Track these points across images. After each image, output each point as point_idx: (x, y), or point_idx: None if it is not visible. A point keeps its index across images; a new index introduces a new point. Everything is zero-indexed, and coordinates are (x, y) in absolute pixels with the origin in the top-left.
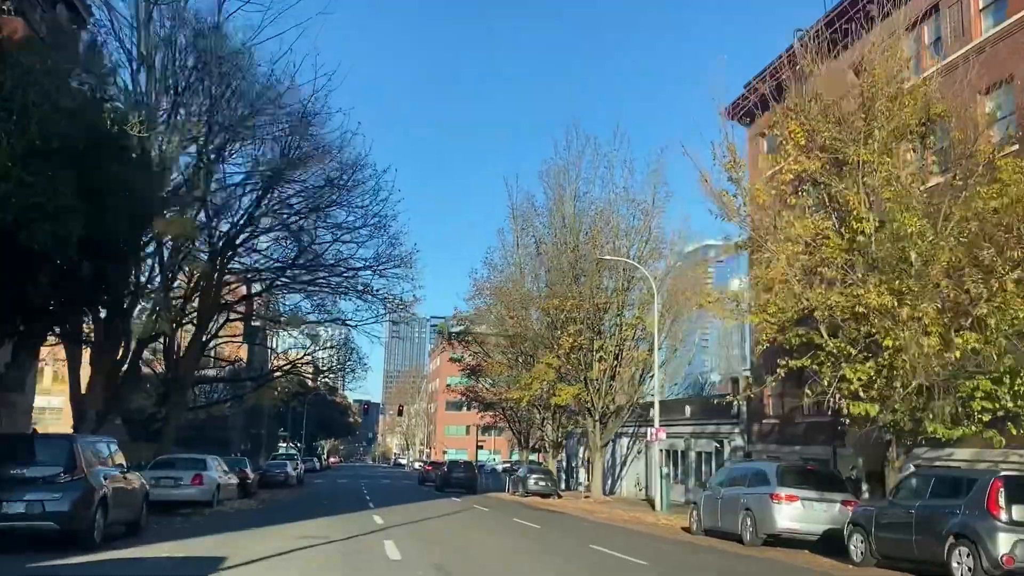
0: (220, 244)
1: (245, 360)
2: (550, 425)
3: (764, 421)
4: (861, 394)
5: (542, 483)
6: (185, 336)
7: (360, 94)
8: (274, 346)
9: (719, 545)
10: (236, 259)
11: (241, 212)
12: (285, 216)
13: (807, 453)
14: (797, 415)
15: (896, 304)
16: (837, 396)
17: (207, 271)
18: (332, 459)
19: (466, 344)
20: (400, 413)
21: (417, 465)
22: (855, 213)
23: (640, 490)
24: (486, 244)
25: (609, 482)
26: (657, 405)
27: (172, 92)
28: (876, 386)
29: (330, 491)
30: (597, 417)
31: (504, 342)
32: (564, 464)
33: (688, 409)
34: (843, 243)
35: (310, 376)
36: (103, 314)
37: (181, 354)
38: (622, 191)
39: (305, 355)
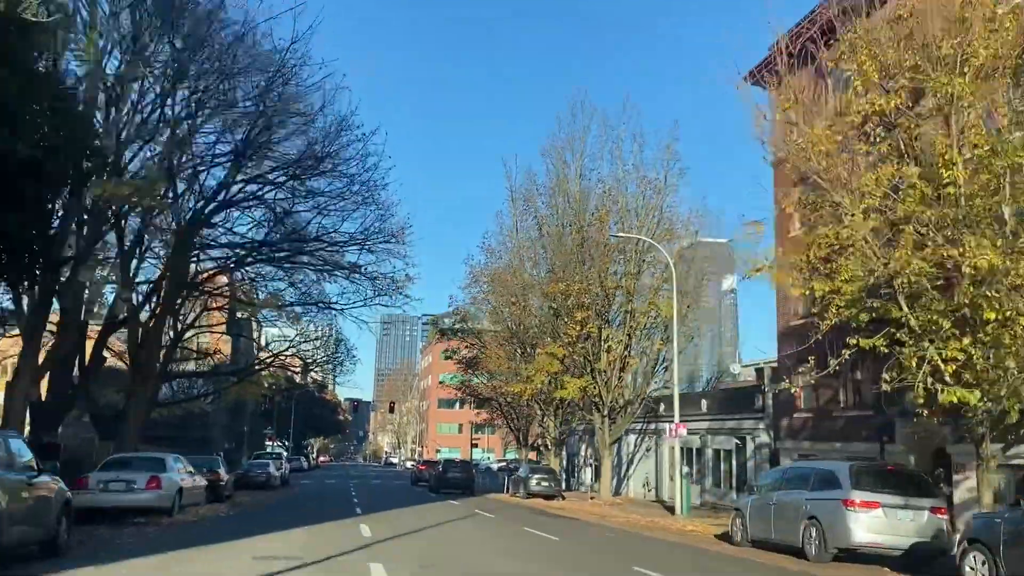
0: (188, 217)
1: (229, 354)
2: (552, 421)
3: (795, 415)
4: (947, 378)
5: (545, 483)
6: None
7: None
8: (259, 339)
9: (777, 560)
10: (209, 238)
11: (213, 182)
12: (261, 186)
13: (848, 451)
14: (835, 408)
15: (1007, 265)
16: (928, 381)
17: (174, 244)
18: (322, 458)
19: (462, 337)
20: (391, 410)
21: (409, 464)
22: (944, 159)
23: (649, 490)
24: (486, 235)
25: (615, 482)
26: (676, 397)
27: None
28: (977, 367)
29: (316, 493)
30: (605, 412)
31: (503, 333)
32: (565, 463)
33: (704, 403)
34: (930, 194)
35: (296, 370)
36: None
37: (140, 342)
38: (632, 168)
39: (290, 347)
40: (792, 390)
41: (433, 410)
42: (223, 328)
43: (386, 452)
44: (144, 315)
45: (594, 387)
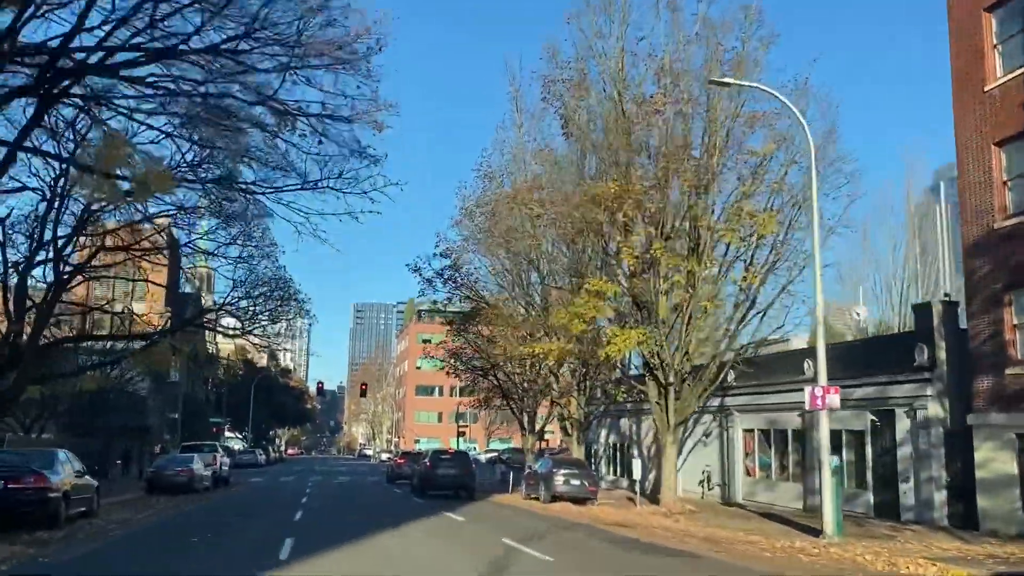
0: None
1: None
2: (577, 397)
3: (1010, 372)
4: None
5: (576, 482)
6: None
7: None
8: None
9: None
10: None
11: None
12: None
13: None
14: None
15: None
16: None
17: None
18: (291, 451)
19: (454, 285)
20: (363, 394)
21: (385, 456)
22: None
23: (710, 489)
24: (484, 153)
25: (650, 479)
26: (821, 341)
27: None
28: None
29: (253, 499)
30: (670, 379)
31: (511, 275)
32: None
33: (810, 365)
34: None
35: (232, 331)
36: None
37: None
38: (694, 37)
39: (224, 305)
40: None
41: (410, 397)
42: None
43: (360, 443)
44: None
45: (655, 343)
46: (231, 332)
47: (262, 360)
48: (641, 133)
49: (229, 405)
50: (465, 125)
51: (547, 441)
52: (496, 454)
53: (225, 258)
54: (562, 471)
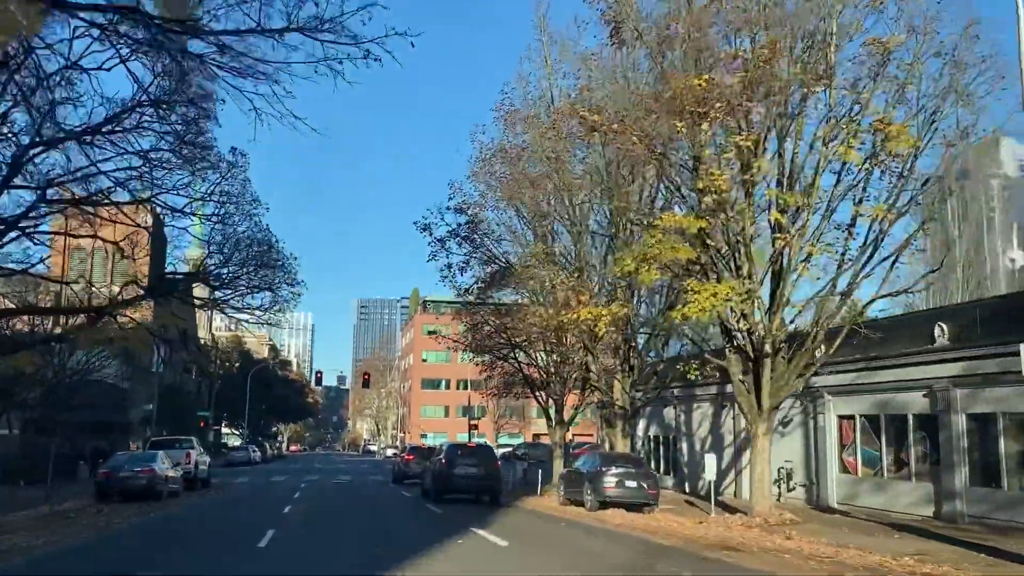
0: None
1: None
2: (620, 380)
3: None
4: None
5: (631, 484)
6: None
7: None
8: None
9: None
10: None
11: None
12: None
13: None
14: None
15: None
16: None
17: None
18: (293, 447)
19: (472, 243)
20: (366, 384)
21: (391, 452)
22: None
23: (791, 490)
24: (505, 88)
25: (706, 479)
26: None
27: None
28: None
29: (225, 508)
30: (764, 350)
31: (544, 226)
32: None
33: (943, 330)
34: None
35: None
36: None
37: None
38: None
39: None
40: None
41: (416, 391)
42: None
43: (364, 439)
44: None
45: (747, 300)
46: (205, 303)
47: (261, 351)
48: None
49: (224, 399)
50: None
51: (565, 435)
52: (511, 449)
53: (196, 215)
54: (614, 470)
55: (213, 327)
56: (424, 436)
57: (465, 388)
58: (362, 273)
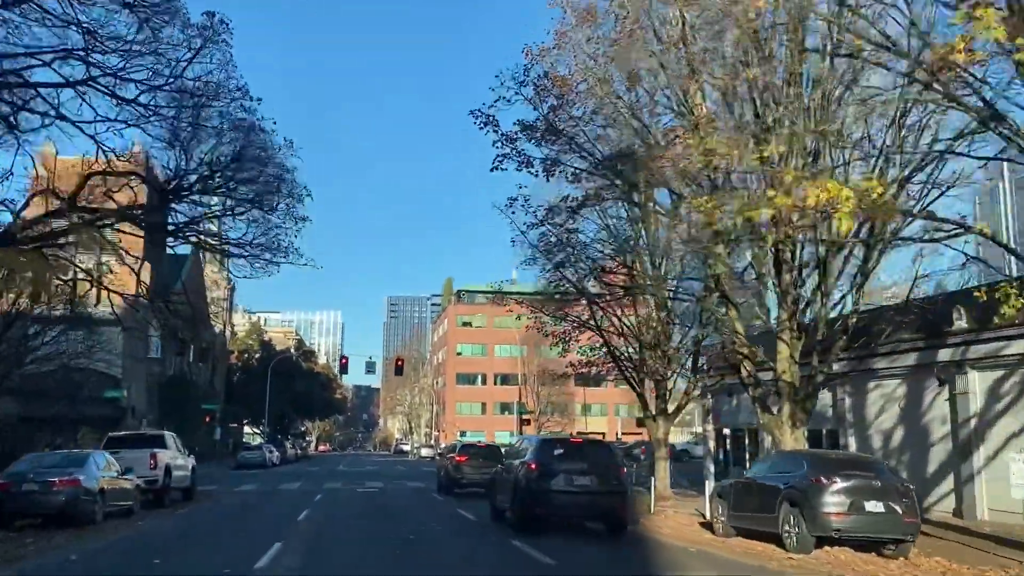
0: None
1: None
2: (789, 343)
3: None
4: None
5: (876, 507)
6: None
7: None
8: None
9: None
10: None
11: None
12: None
13: None
14: None
15: None
16: None
17: None
18: (322, 447)
19: (556, 136)
20: (399, 371)
21: (425, 453)
22: None
23: None
24: None
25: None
26: None
27: None
28: None
29: (182, 543)
30: None
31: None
32: (712, 446)
33: None
34: None
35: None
36: None
37: None
38: None
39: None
40: None
41: (451, 387)
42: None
43: (396, 439)
44: None
45: None
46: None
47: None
48: None
49: (243, 394)
50: None
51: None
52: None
53: (157, 113)
54: (842, 483)
55: (234, 318)
56: (464, 434)
57: (503, 383)
58: (391, 272)
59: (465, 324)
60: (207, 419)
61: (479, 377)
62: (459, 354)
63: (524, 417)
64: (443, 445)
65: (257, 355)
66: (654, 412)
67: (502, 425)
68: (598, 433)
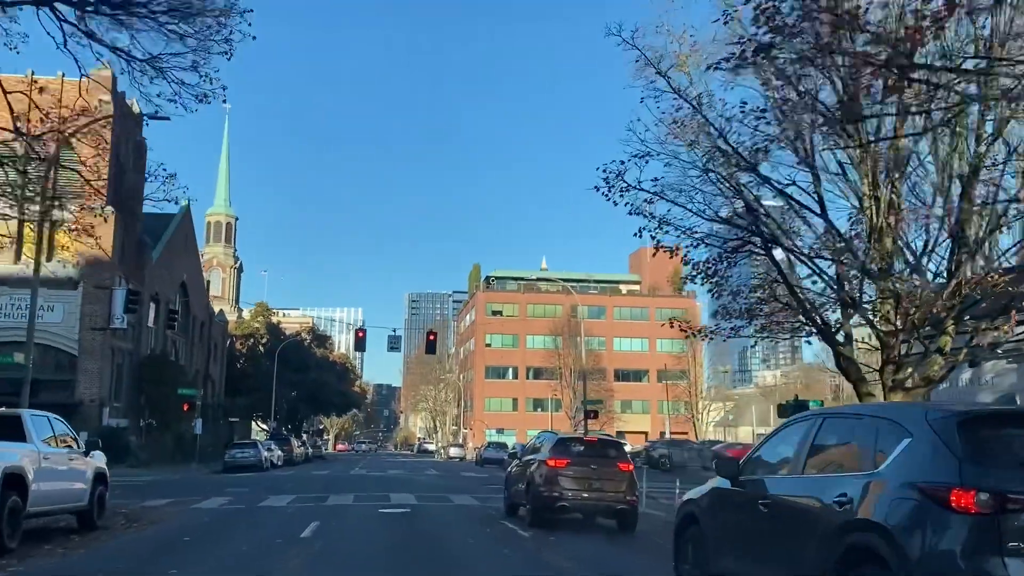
0: None
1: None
2: None
3: None
4: None
5: None
6: None
7: None
8: None
9: None
10: None
11: None
12: None
13: None
14: None
15: None
16: None
17: None
18: (340, 446)
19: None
20: (431, 349)
21: (454, 453)
22: None
23: None
24: None
25: None
26: None
27: None
28: None
29: None
30: None
31: None
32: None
33: None
34: None
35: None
36: None
37: None
38: None
39: None
40: None
41: (479, 381)
42: None
43: (419, 438)
44: None
45: None
46: None
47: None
48: None
49: (249, 386)
50: None
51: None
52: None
53: None
54: None
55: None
56: (501, 431)
57: (535, 377)
58: (412, 265)
59: (495, 313)
60: (185, 407)
61: (510, 370)
62: (488, 345)
63: (590, 409)
64: (545, 440)
65: (264, 340)
66: (885, 382)
67: (536, 423)
68: (640, 432)
